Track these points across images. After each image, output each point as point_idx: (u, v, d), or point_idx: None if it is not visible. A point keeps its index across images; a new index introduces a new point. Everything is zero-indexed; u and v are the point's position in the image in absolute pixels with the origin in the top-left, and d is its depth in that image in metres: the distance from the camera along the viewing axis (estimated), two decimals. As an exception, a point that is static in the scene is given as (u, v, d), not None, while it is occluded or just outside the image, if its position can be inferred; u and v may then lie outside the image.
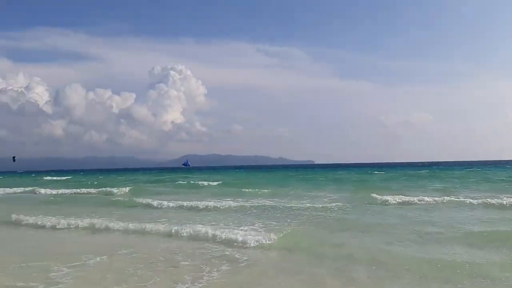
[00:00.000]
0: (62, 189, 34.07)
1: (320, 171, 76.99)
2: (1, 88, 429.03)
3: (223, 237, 11.10)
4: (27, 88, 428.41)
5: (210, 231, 11.71)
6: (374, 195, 20.57)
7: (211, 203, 19.50)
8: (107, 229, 13.57)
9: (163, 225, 13.20)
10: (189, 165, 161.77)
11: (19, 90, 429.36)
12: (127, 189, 31.38)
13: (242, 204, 19.60)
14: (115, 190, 30.62)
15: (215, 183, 36.47)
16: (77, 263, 9.26)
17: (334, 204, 18.70)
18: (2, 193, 33.10)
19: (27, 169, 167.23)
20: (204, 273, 8.25)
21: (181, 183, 38.27)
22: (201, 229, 12.08)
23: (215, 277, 8.05)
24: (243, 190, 26.68)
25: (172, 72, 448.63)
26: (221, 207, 18.71)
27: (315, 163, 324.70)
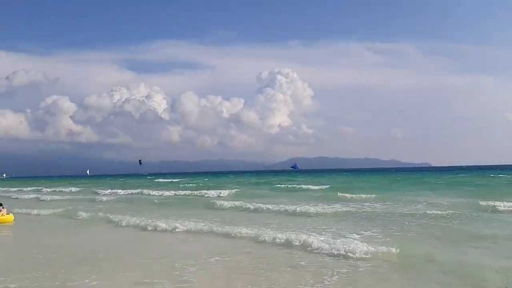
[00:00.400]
0: (170, 191, 35.75)
1: (437, 174, 71.77)
2: (126, 98, 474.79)
3: (336, 244, 10.47)
4: (148, 97, 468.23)
5: (322, 238, 11.23)
6: (498, 202, 18.18)
7: (319, 208, 18.76)
8: (216, 232, 13.42)
9: (275, 231, 12.59)
10: (297, 168, 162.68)
11: (140, 99, 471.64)
12: (233, 191, 31.90)
13: (352, 209, 18.64)
14: (221, 192, 31.30)
15: (323, 187, 35.55)
16: (200, 262, 9.42)
17: (452, 211, 16.77)
18: (115, 195, 35.04)
19: (149, 171, 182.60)
20: (326, 277, 8.08)
21: (288, 187, 37.43)
22: (314, 236, 11.60)
23: (334, 281, 7.84)
24: (352, 194, 25.47)
25: (279, 76, 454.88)
26: (330, 212, 17.90)
27: (432, 165, 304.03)
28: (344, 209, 18.79)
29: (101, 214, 19.37)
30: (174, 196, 32.31)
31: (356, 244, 10.30)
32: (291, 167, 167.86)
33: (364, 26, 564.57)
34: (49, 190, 48.46)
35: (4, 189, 53.97)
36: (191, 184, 48.97)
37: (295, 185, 37.73)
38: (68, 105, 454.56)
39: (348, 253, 9.73)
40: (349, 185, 38.54)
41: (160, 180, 67.69)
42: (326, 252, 10.10)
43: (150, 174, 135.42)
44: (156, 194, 34.40)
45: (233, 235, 12.77)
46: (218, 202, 22.19)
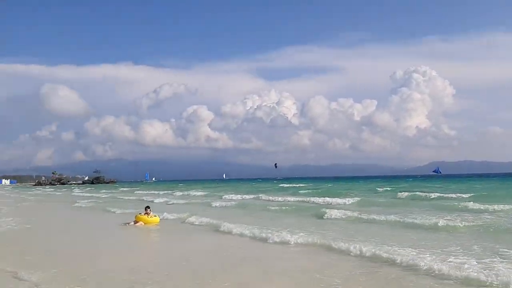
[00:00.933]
0: (286, 197, 34.32)
1: None
2: (258, 105, 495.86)
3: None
4: (278, 103, 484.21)
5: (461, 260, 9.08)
6: None
7: (458, 222, 15.47)
8: (334, 248, 11.52)
9: (405, 250, 10.38)
10: (440, 172, 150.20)
11: (271, 106, 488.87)
12: (354, 199, 28.92)
13: (500, 221, 15.40)
14: (340, 200, 28.80)
15: (464, 195, 30.22)
16: (345, 275, 8.72)
17: None
18: (231, 201, 34.07)
19: (281, 175, 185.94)
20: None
21: (423, 195, 31.88)
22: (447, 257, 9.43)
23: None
24: (498, 204, 20.97)
25: (415, 75, 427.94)
26: (472, 225, 14.74)
27: None
28: (488, 221, 15.42)
29: (210, 220, 18.66)
30: (288, 202, 30.57)
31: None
32: (433, 172, 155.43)
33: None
34: (179, 193, 51.06)
35: (145, 192, 58.62)
36: (312, 190, 46.85)
37: (431, 194, 32.60)
38: (206, 114, 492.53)
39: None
40: (496, 193, 32.73)
41: (283, 184, 67.29)
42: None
43: (280, 179, 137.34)
44: (271, 199, 33.32)
45: (351, 252, 10.83)
46: (333, 212, 19.80)
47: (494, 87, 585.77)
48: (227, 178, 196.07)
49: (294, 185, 64.14)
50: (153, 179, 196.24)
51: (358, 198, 29.86)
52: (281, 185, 66.66)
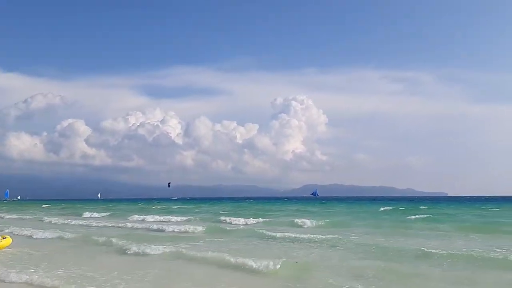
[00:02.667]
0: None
1: (456, 204, 65.24)
2: (141, 122, 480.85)
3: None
4: (162, 121, 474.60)
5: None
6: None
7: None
8: None
9: None
10: (317, 195, 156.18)
11: (155, 124, 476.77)
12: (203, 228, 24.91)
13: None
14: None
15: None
16: None
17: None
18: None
19: (161, 196, 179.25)
20: None
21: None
22: None
23: None
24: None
25: (293, 103, 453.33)
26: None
27: (448, 195, 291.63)
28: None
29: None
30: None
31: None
32: (311, 194, 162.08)
33: (380, 54, 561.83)
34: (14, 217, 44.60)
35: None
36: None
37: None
38: (83, 129, 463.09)
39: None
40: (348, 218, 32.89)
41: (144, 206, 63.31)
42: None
43: (156, 200, 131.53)
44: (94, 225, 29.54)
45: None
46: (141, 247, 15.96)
47: (361, 118, 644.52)
48: (102, 198, 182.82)
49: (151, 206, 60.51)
50: (18, 197, 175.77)
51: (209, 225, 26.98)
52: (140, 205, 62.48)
